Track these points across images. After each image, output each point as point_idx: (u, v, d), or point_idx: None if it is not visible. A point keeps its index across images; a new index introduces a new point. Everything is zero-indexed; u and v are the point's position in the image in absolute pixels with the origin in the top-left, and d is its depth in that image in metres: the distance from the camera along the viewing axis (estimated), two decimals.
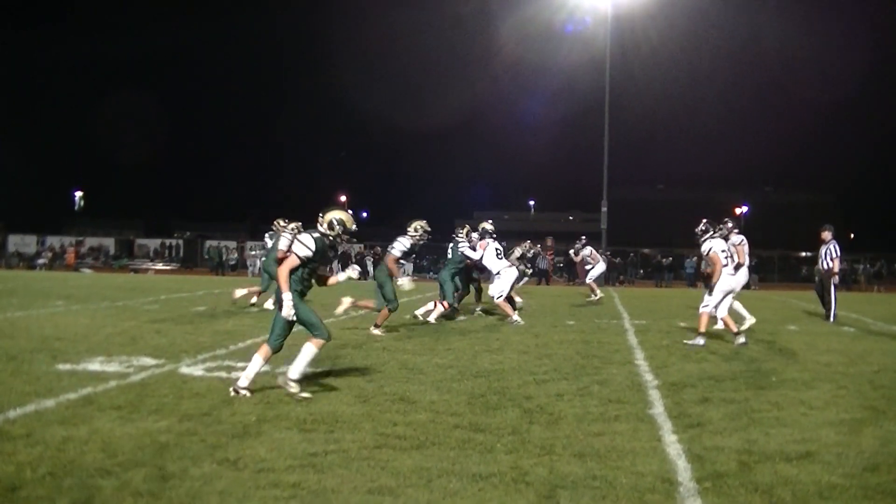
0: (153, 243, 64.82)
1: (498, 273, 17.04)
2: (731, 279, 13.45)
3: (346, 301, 13.62)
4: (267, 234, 19.63)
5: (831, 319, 18.21)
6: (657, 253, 58.29)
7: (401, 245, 14.61)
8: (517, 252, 22.02)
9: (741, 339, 13.01)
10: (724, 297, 13.27)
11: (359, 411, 7.50)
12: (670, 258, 52.91)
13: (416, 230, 14.61)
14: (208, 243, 61.26)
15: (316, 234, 8.52)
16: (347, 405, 7.72)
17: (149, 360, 10.22)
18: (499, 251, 17.27)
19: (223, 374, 9.31)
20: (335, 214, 8.82)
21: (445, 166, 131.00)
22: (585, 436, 6.73)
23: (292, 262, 8.30)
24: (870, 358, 11.87)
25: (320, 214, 8.87)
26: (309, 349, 8.28)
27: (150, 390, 8.26)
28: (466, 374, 9.71)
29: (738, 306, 15.50)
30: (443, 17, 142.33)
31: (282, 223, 18.63)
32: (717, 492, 5.31)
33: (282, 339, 8.38)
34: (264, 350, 8.32)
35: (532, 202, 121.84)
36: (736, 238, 15.64)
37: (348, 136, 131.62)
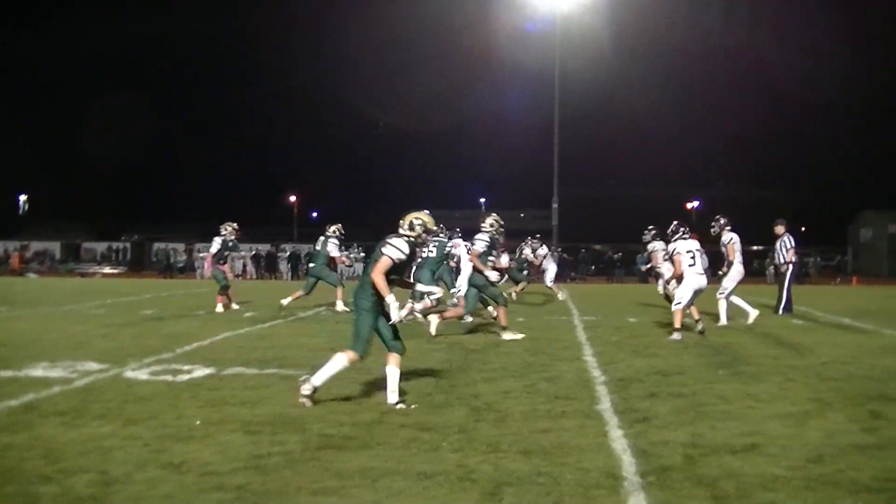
0: (100, 247, 64.17)
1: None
2: (698, 278, 13.88)
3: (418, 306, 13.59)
4: (321, 238, 19.43)
5: (780, 312, 18.45)
6: (608, 249, 58.66)
7: (481, 242, 14.33)
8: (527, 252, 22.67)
9: (699, 327, 13.89)
10: (693, 294, 13.70)
11: (305, 412, 7.49)
12: (620, 254, 53.31)
13: (491, 225, 14.46)
14: (156, 246, 60.81)
15: (407, 238, 8.34)
16: (294, 406, 7.70)
17: (94, 365, 10.10)
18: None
19: (169, 378, 9.26)
20: (416, 215, 8.59)
21: (395, 165, 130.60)
22: (532, 433, 6.76)
23: (385, 265, 8.02)
24: (819, 350, 12.02)
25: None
26: (340, 360, 8.06)
27: (95, 395, 8.19)
28: (415, 374, 9.69)
29: (739, 301, 16.20)
30: (398, 16, 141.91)
31: (229, 227, 18.81)
32: (661, 486, 5.36)
33: (368, 346, 8.24)
34: (350, 355, 8.11)
35: (483, 200, 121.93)
36: (726, 237, 16.15)
37: (300, 135, 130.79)
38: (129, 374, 9.57)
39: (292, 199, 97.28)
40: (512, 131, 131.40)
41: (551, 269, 25.57)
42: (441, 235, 16.94)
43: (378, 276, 7.95)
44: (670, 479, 5.47)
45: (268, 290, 30.27)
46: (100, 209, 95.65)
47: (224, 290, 18.93)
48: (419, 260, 15.03)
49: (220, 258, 19.31)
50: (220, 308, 18.78)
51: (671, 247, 14.23)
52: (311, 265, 19.49)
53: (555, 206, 50.07)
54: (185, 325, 15.56)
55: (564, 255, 48.95)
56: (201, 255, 50.54)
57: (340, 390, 8.53)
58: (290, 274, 49.48)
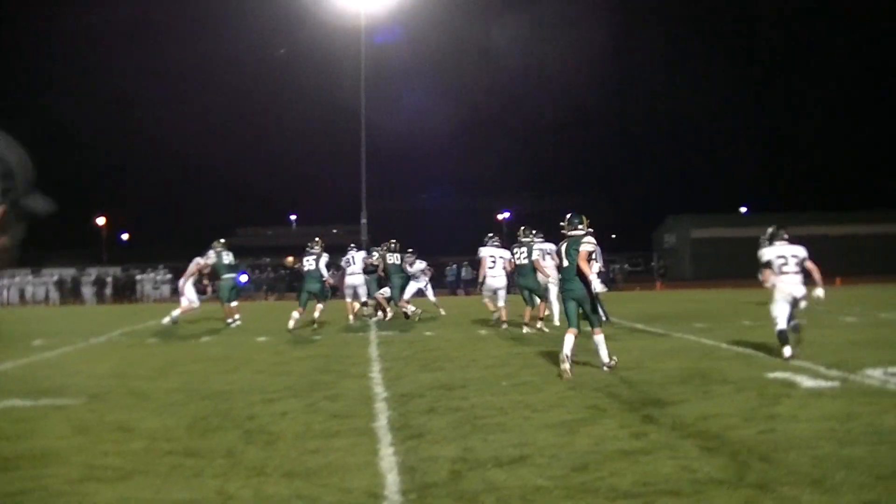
0: None
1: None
2: (492, 280, 17.60)
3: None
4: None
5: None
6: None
7: (544, 247, 17.55)
8: (419, 265, 22.81)
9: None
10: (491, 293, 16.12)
11: (73, 443, 7.20)
12: (431, 267, 53.71)
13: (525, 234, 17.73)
14: None
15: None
16: (61, 438, 7.41)
17: None
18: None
19: None
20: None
21: (203, 183, 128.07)
22: (300, 454, 6.66)
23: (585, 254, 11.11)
24: None
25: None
26: (601, 338, 11.11)
27: None
28: (194, 397, 9.50)
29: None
30: (201, 26, 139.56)
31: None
32: (421, 503, 5.35)
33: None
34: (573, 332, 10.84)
35: (294, 216, 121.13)
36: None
37: (109, 155, 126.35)
38: None
39: (101, 221, 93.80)
40: (320, 146, 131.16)
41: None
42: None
43: (584, 263, 10.98)
44: (431, 496, 5.45)
45: (69, 317, 29.24)
46: None
47: None
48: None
49: None
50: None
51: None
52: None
53: (363, 220, 50.09)
54: None
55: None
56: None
57: (114, 417, 8.27)
58: (95, 299, 47.46)
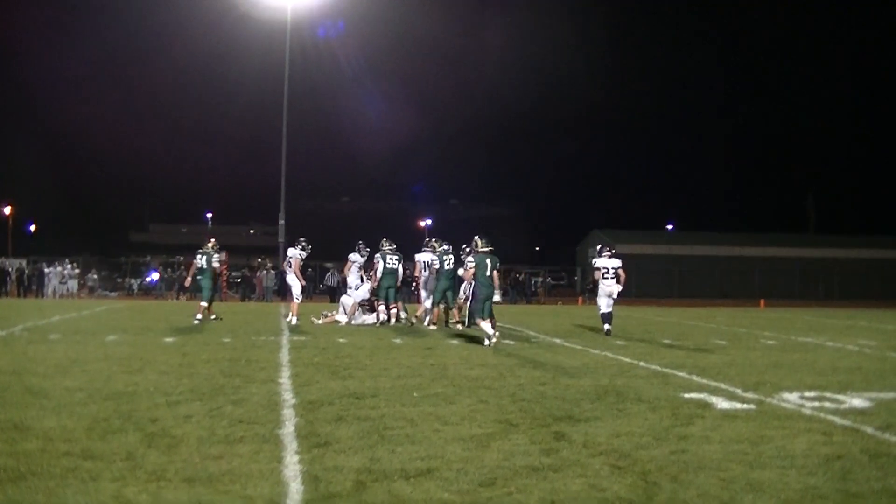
0: None
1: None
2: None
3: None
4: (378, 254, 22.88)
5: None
6: (337, 267, 58.81)
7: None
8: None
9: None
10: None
11: None
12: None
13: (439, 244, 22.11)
14: None
15: None
16: None
17: None
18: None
19: None
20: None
21: (116, 176, 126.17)
22: (203, 459, 6.60)
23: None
24: (520, 371, 12.47)
25: None
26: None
27: None
28: (95, 397, 9.35)
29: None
30: (120, 13, 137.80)
31: None
32: None
33: None
34: None
35: (210, 214, 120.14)
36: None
37: (10, 143, 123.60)
38: None
39: (6, 210, 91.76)
40: (240, 143, 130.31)
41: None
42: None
43: None
44: None
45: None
46: None
47: None
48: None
49: None
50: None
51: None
52: (200, 278, 23.46)
53: (281, 221, 49.89)
54: None
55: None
56: None
57: (9, 415, 8.13)
58: None
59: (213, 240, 24.39)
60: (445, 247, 22.26)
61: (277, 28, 50.23)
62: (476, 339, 17.55)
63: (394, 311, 22.17)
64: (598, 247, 21.37)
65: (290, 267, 22.82)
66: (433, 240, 22.10)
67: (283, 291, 45.76)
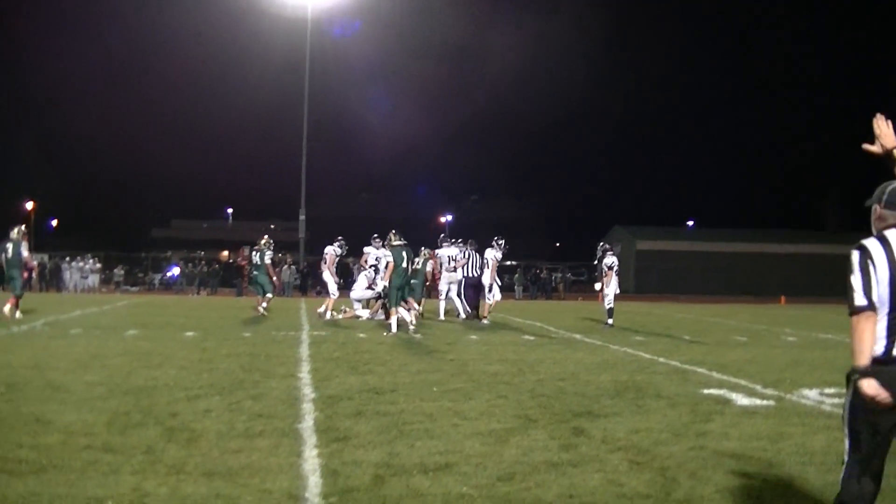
0: None
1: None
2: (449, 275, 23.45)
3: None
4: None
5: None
6: (356, 262, 58.90)
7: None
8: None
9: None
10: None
11: None
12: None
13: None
14: None
15: None
16: None
17: None
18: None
19: None
20: None
21: (138, 172, 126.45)
22: (222, 453, 6.65)
23: None
24: (539, 367, 12.46)
25: None
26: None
27: None
28: (115, 392, 9.39)
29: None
30: (143, 12, 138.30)
31: None
32: None
33: None
34: None
35: (230, 210, 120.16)
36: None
37: (34, 139, 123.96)
38: None
39: (29, 206, 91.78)
40: (260, 140, 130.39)
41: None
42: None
43: None
44: (353, 500, 5.48)
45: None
46: None
47: None
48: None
49: None
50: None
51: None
52: (256, 274, 24.29)
53: (302, 217, 49.90)
54: None
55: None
56: None
57: (31, 409, 8.18)
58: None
59: (266, 236, 24.88)
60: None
61: (298, 27, 50.30)
62: (495, 335, 17.54)
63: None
64: (603, 245, 23.07)
65: (325, 263, 23.66)
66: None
67: (304, 287, 46.09)
